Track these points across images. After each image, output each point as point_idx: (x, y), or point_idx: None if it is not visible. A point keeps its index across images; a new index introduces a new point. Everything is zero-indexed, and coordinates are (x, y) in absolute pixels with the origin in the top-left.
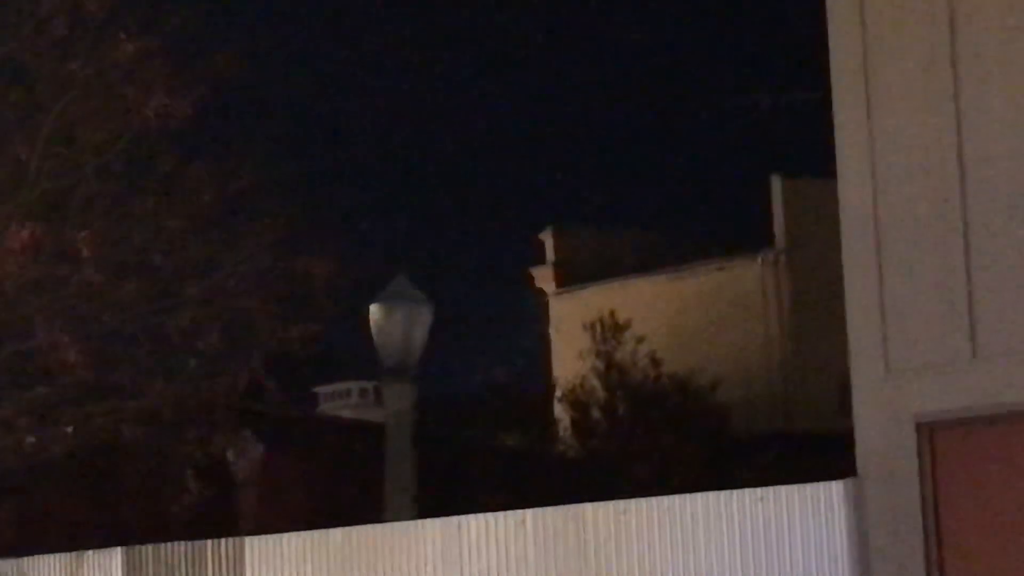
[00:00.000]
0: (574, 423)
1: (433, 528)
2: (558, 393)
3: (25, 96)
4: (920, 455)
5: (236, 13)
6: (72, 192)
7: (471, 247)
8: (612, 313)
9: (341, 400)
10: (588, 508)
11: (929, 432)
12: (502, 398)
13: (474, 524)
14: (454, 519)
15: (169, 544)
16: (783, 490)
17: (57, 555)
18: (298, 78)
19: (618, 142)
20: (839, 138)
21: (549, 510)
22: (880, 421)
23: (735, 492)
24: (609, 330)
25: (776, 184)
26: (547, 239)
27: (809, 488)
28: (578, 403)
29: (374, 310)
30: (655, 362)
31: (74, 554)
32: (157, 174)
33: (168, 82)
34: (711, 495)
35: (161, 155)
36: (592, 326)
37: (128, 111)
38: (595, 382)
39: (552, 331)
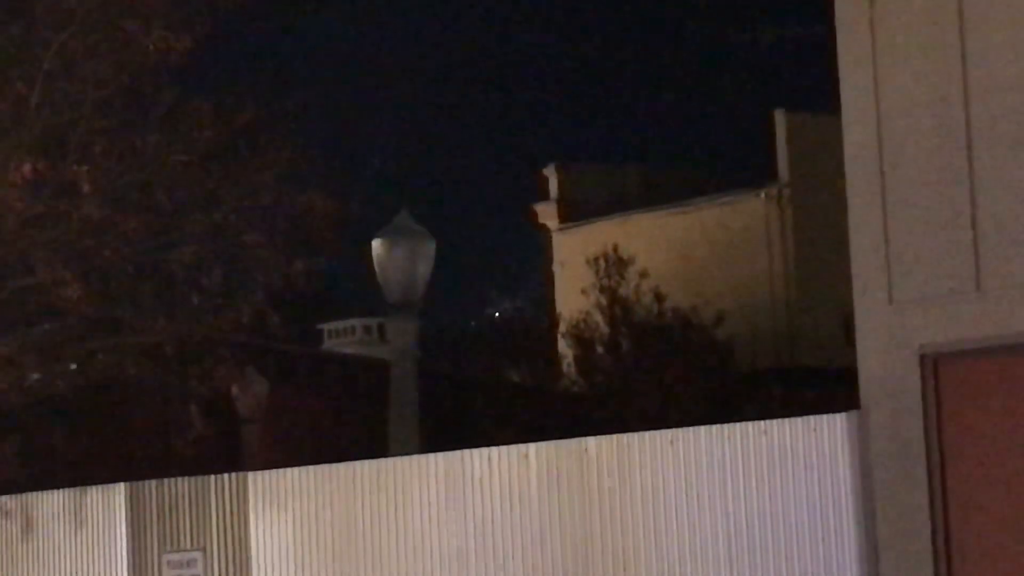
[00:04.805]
0: (578, 358)
1: (437, 462)
2: (562, 328)
3: (25, 30)
4: (923, 386)
5: None
6: (73, 127)
7: (475, 183)
8: (616, 248)
9: (346, 337)
10: (591, 442)
11: (932, 363)
12: (506, 334)
13: (477, 458)
14: (457, 453)
15: (172, 480)
16: (786, 423)
17: (61, 491)
18: (299, 11)
19: (622, 77)
20: (843, 72)
21: (552, 444)
22: (884, 353)
23: (738, 425)
24: (613, 265)
25: (780, 119)
26: (551, 175)
27: (812, 420)
28: (582, 338)
29: (377, 245)
30: (659, 297)
31: (78, 490)
32: (158, 109)
33: (169, 16)
34: (714, 428)
35: (162, 90)
36: (596, 261)
37: (129, 46)
38: (599, 317)
39: (556, 267)
